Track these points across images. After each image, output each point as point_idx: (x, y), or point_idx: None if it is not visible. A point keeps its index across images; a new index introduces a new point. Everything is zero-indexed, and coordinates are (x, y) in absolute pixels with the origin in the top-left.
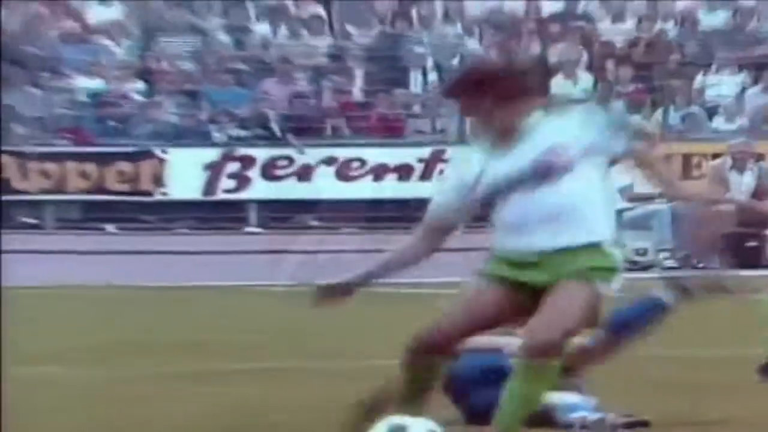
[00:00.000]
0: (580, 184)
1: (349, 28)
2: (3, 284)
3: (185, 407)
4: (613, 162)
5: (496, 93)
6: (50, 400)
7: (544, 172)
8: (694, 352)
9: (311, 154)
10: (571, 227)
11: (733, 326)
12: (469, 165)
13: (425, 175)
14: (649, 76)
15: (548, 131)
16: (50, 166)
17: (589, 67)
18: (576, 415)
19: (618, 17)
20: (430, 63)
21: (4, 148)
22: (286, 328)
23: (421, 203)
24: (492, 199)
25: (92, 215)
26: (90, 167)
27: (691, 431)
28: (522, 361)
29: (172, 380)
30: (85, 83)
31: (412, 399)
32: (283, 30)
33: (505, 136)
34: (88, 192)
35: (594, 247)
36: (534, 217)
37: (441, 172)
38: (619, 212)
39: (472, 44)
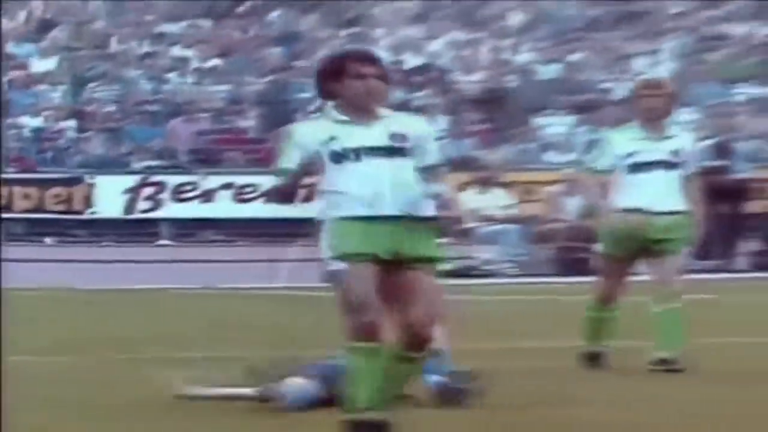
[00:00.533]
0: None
1: (245, 78)
2: None
3: (119, 388)
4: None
5: (381, 75)
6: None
7: (397, 147)
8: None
9: (213, 181)
10: (416, 199)
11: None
12: (313, 134)
13: (308, 198)
14: (494, 118)
15: (396, 120)
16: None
17: (446, 111)
18: (433, 379)
19: (469, 69)
20: (312, 107)
21: None
22: (202, 321)
23: (304, 221)
24: (342, 160)
25: (34, 230)
26: (32, 190)
27: (539, 409)
28: (402, 351)
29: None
30: (29, 122)
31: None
32: (189, 79)
33: (369, 113)
34: (31, 211)
35: (431, 222)
36: (387, 185)
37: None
38: (471, 229)
39: None
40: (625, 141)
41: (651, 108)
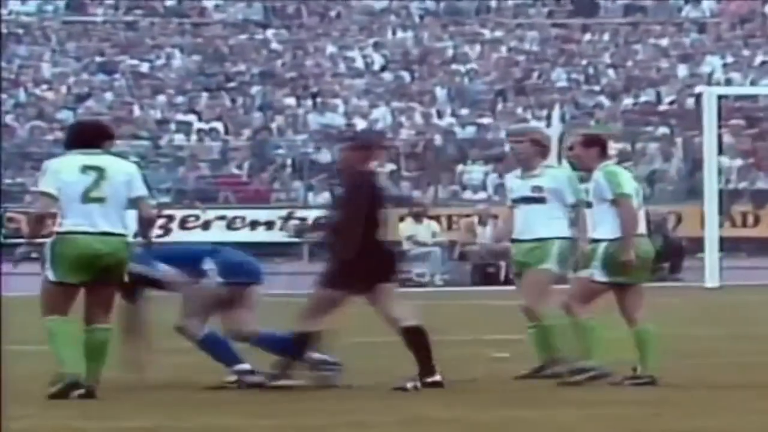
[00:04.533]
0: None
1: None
2: None
3: None
4: None
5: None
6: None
7: None
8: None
9: (211, 214)
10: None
11: None
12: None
13: (282, 228)
14: (425, 166)
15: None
16: None
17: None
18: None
19: (405, 130)
20: (289, 161)
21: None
22: None
23: (282, 245)
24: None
25: None
26: None
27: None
28: None
29: None
30: None
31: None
32: (194, 136)
33: None
34: None
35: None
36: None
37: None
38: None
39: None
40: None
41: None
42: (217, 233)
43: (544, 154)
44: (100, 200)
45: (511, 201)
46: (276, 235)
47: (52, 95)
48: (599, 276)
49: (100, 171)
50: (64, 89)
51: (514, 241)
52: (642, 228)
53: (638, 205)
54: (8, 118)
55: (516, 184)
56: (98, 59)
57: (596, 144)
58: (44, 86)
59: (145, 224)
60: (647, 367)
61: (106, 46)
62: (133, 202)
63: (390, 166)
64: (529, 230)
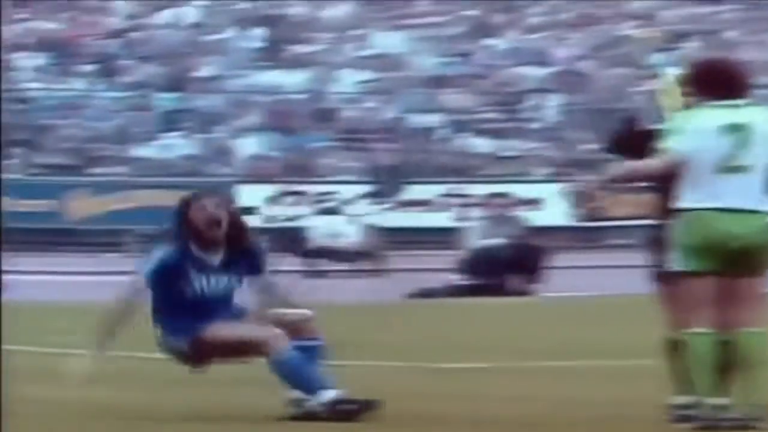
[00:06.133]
0: None
1: None
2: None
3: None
4: None
5: None
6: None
7: None
8: None
9: None
10: None
11: None
12: None
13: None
14: None
15: None
16: None
17: None
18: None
19: None
20: None
21: None
22: None
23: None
24: None
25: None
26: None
27: None
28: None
29: None
30: None
31: None
32: None
33: None
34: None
35: None
36: None
37: None
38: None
39: None
40: None
41: None
42: None
43: None
44: (741, 169)
45: None
46: None
47: (642, 34)
48: None
49: (744, 131)
50: (656, 26)
51: None
52: None
53: None
54: (584, 65)
55: None
56: None
57: None
58: (631, 23)
59: None
60: None
61: None
62: None
63: None
64: None
